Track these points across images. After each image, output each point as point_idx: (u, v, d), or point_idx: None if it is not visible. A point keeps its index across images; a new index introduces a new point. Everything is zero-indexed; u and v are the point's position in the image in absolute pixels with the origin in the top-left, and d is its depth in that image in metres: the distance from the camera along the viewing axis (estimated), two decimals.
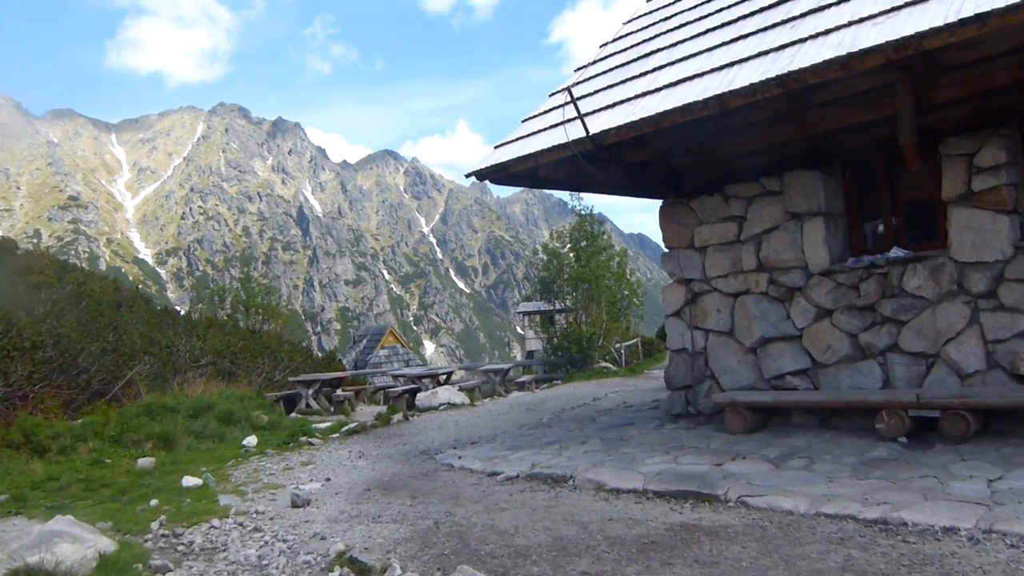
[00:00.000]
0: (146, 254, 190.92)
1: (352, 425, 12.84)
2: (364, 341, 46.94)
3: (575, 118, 7.86)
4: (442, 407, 15.96)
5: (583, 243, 25.87)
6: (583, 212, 25.86)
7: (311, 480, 8.48)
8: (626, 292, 27.63)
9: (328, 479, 8.49)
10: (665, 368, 9.40)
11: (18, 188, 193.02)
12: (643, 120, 7.16)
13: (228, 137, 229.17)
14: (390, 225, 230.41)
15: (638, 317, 31.20)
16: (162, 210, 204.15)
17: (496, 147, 9.44)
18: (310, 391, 18.70)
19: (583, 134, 7.67)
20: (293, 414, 18.30)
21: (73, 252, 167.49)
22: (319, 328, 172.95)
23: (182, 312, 42.00)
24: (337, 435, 12.37)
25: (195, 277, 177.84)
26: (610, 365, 25.53)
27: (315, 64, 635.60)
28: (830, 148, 8.04)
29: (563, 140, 7.97)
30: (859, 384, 7.54)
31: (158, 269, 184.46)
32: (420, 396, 16.53)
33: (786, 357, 8.11)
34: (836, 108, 7.64)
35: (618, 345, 26.78)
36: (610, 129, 7.47)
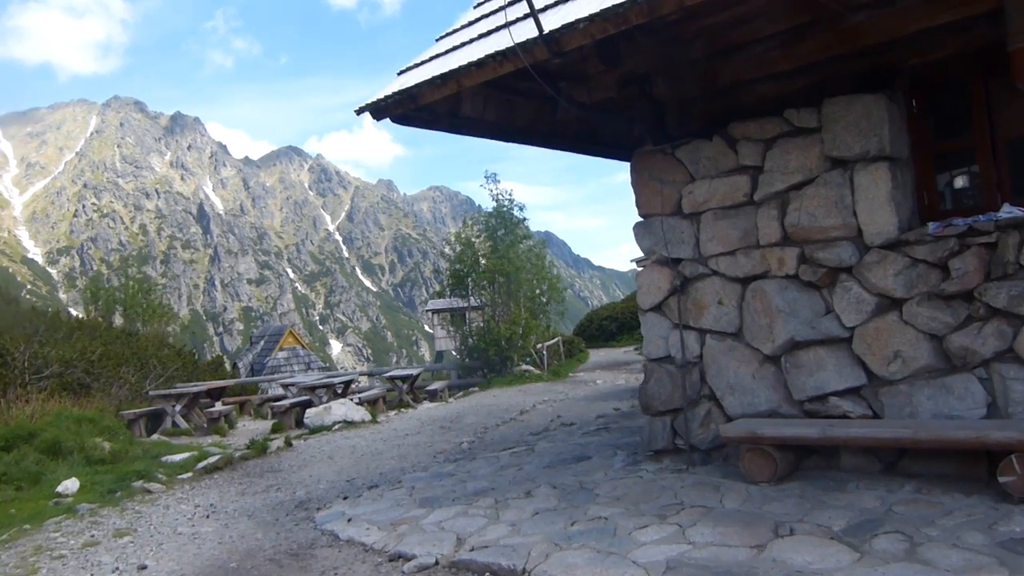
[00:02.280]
0: (36, 253, 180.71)
1: (214, 459, 9.77)
2: (262, 343, 43.24)
3: (523, 17, 5.17)
4: (337, 426, 13.00)
5: (500, 231, 23.10)
6: (501, 197, 23.08)
7: (115, 572, 5.48)
8: (546, 287, 24.97)
9: (143, 567, 5.51)
10: (641, 385, 6.73)
11: None
12: (628, 6, 4.49)
13: (123, 131, 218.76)
14: (294, 223, 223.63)
15: (558, 314, 28.66)
16: (53, 207, 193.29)
17: (400, 72, 6.61)
18: (177, 407, 15.36)
19: (534, 34, 4.95)
20: (156, 435, 14.97)
21: None
22: (221, 329, 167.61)
23: (78, 315, 37.49)
24: (190, 474, 9.30)
25: (89, 277, 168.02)
26: (532, 368, 22.93)
27: (217, 58, 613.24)
28: (887, 65, 5.53)
29: (501, 47, 5.24)
30: (947, 409, 5.02)
31: (49, 269, 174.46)
32: (310, 413, 13.50)
33: (828, 369, 5.54)
34: (898, 8, 5.15)
35: (539, 346, 24.20)
36: (576, 23, 4.77)
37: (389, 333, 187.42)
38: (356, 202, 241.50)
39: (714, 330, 6.20)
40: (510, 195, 23.13)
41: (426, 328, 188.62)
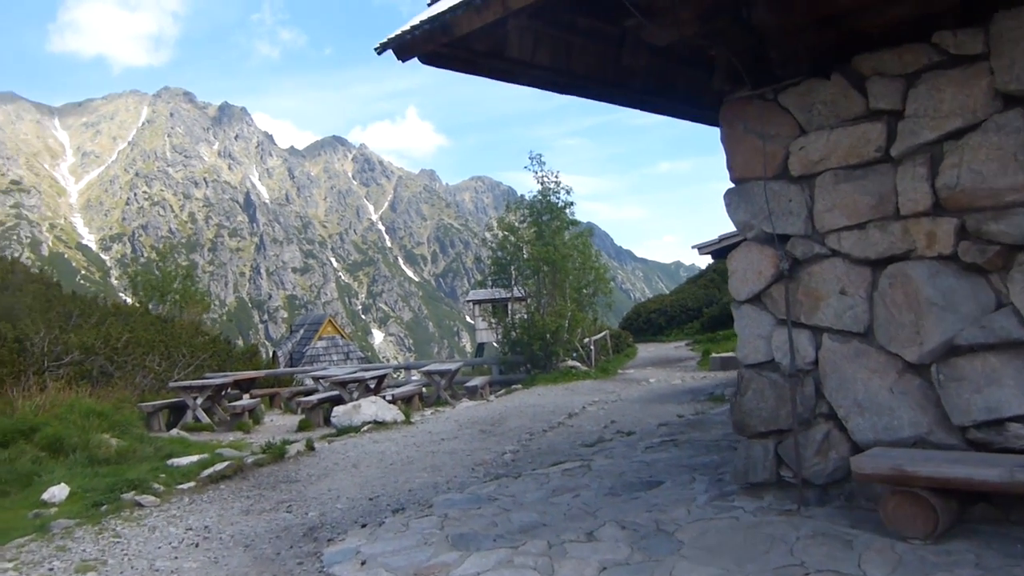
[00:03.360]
0: (90, 240, 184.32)
1: (222, 466, 8.56)
2: (301, 331, 42.46)
3: None
4: (366, 427, 11.75)
5: (545, 217, 21.61)
6: (547, 180, 21.58)
7: None
8: (592, 277, 23.35)
9: None
10: (733, 396, 5.33)
11: None
12: None
13: (173, 121, 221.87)
14: (338, 212, 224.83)
15: (605, 307, 27.10)
16: (106, 195, 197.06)
17: (431, 2, 5.25)
18: (199, 399, 14.27)
19: None
20: (175, 430, 13.93)
21: (15, 237, 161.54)
22: (266, 317, 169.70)
23: (126, 301, 37.09)
24: (192, 483, 8.10)
25: (140, 264, 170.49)
26: (578, 364, 21.53)
27: (263, 49, 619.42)
28: None
29: None
30: None
31: (102, 255, 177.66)
32: (338, 411, 12.26)
33: (1006, 385, 4.06)
34: None
35: (586, 340, 22.76)
36: None
37: (431, 323, 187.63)
38: (399, 192, 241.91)
39: (834, 328, 4.75)
40: (556, 177, 21.66)
41: (467, 319, 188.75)
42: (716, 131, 5.52)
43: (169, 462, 9.22)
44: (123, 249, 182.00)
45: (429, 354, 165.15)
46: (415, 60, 5.18)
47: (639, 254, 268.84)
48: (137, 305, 32.54)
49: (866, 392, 4.57)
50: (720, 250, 13.67)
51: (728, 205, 5.31)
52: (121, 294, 36.69)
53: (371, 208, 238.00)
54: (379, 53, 5.27)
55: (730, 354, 21.31)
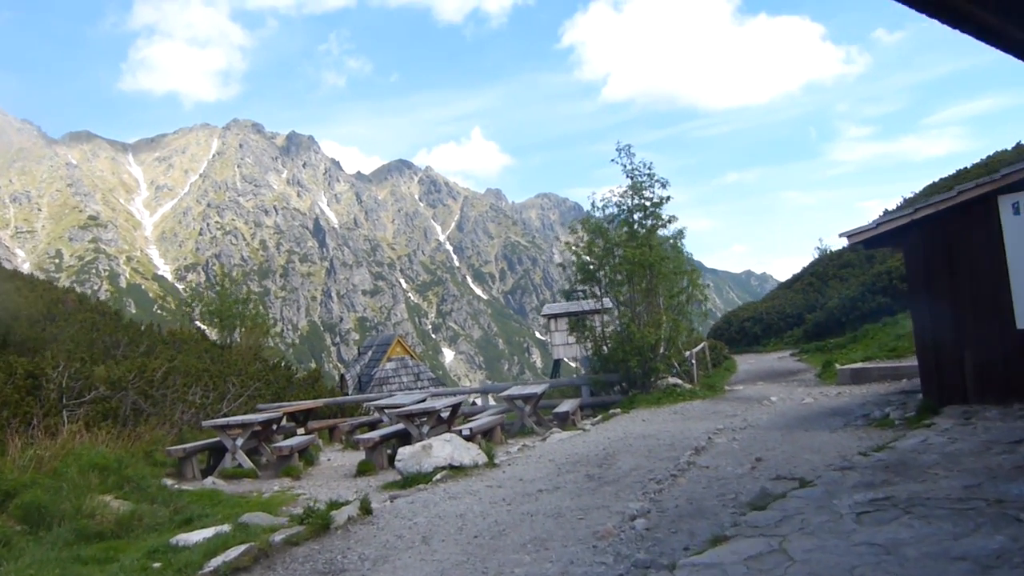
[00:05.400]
0: (165, 270, 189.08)
1: (235, 554, 6.02)
2: (369, 353, 40.46)
3: None
4: (440, 475, 9.15)
5: (638, 214, 18.74)
6: (638, 172, 18.66)
7: None
8: (686, 283, 20.16)
9: None
10: None
11: (39, 210, 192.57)
12: None
13: (243, 152, 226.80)
14: (406, 234, 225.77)
15: (701, 315, 24.02)
16: (180, 226, 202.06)
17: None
18: (239, 440, 11.89)
19: None
20: (211, 477, 11.58)
21: (94, 271, 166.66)
22: (338, 339, 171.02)
23: (205, 329, 35.77)
24: None
25: (214, 292, 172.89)
26: (679, 381, 18.62)
27: (330, 78, 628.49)
28: None
29: None
30: None
31: (177, 285, 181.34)
32: (404, 453, 9.70)
33: None
34: None
35: (687, 353, 19.83)
36: None
37: (500, 340, 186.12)
38: (465, 212, 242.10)
39: None
40: (649, 168, 18.75)
41: (537, 334, 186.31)
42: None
43: (175, 540, 6.75)
44: (197, 278, 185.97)
45: (500, 371, 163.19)
46: None
47: (709, 265, 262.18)
48: (194, 331, 30.89)
49: None
50: (877, 237, 10.73)
51: None
52: (198, 322, 35.29)
53: (438, 228, 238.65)
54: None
55: (861, 364, 18.12)
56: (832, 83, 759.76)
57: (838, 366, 18.52)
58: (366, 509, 7.42)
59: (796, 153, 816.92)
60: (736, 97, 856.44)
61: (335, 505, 7.29)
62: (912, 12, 3.15)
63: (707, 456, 9.50)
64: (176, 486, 10.38)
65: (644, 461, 9.49)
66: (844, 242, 11.56)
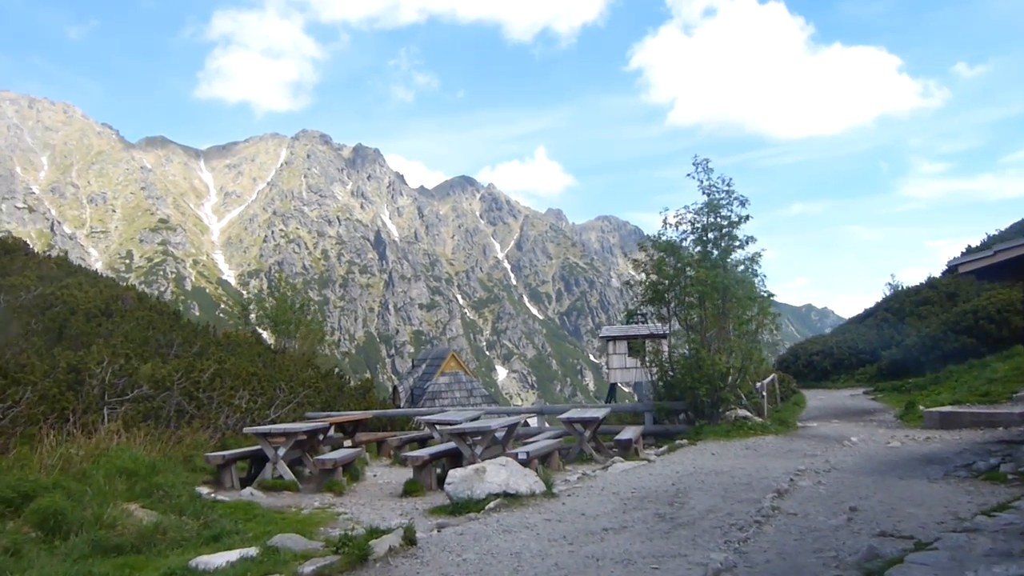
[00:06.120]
0: (229, 275, 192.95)
1: None
2: (423, 366, 39.93)
3: None
4: (492, 503, 8.27)
5: (711, 234, 17.61)
6: (715, 189, 17.50)
7: None
8: (756, 310, 18.72)
9: None
10: None
11: (114, 211, 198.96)
12: None
13: (310, 163, 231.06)
14: (465, 250, 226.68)
15: (772, 345, 22.67)
16: (246, 233, 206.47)
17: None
18: (281, 450, 11.21)
19: None
20: (250, 488, 10.89)
21: (161, 273, 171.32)
22: (393, 351, 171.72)
23: (262, 332, 35.72)
24: None
25: (275, 299, 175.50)
26: (748, 413, 17.40)
27: (399, 93, 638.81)
28: None
29: None
30: None
31: (241, 290, 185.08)
32: (455, 476, 8.85)
33: None
34: None
35: (758, 385, 18.63)
36: None
37: (554, 361, 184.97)
38: (525, 231, 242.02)
39: None
40: (728, 184, 17.57)
41: (591, 358, 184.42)
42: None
43: (195, 562, 6.00)
44: (260, 284, 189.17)
45: (552, 392, 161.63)
46: None
47: None
48: (249, 335, 30.64)
49: None
50: (995, 267, 9.56)
51: None
52: (258, 327, 35.15)
53: (497, 246, 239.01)
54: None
55: (951, 408, 16.67)
56: (907, 116, 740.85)
57: (923, 408, 17.12)
58: (410, 539, 6.57)
59: (865, 187, 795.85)
60: (806, 127, 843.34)
61: (375, 533, 6.45)
62: (995, 45, 2.24)
63: (792, 501, 8.44)
64: (211, 495, 9.72)
65: (720, 502, 8.48)
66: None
